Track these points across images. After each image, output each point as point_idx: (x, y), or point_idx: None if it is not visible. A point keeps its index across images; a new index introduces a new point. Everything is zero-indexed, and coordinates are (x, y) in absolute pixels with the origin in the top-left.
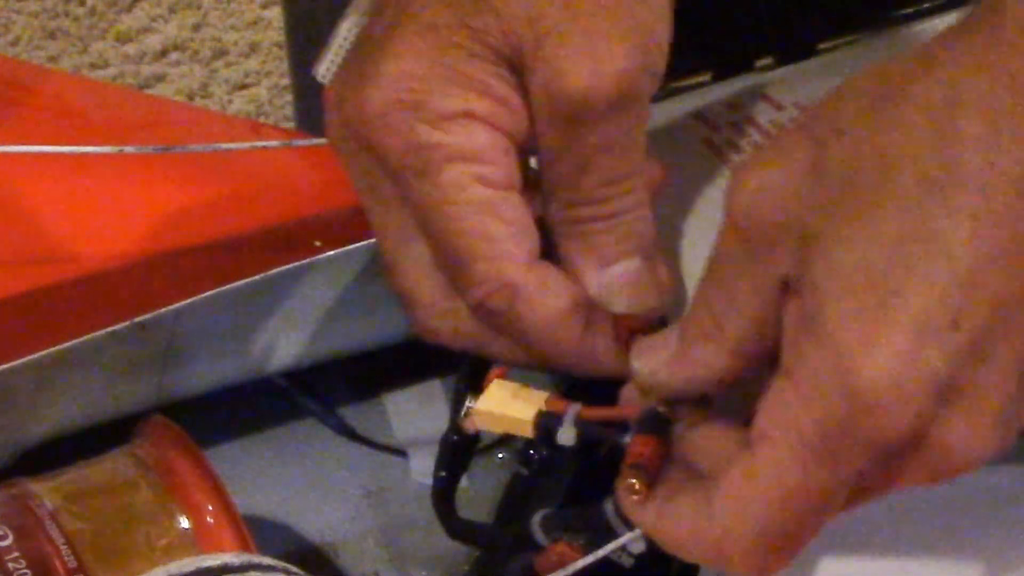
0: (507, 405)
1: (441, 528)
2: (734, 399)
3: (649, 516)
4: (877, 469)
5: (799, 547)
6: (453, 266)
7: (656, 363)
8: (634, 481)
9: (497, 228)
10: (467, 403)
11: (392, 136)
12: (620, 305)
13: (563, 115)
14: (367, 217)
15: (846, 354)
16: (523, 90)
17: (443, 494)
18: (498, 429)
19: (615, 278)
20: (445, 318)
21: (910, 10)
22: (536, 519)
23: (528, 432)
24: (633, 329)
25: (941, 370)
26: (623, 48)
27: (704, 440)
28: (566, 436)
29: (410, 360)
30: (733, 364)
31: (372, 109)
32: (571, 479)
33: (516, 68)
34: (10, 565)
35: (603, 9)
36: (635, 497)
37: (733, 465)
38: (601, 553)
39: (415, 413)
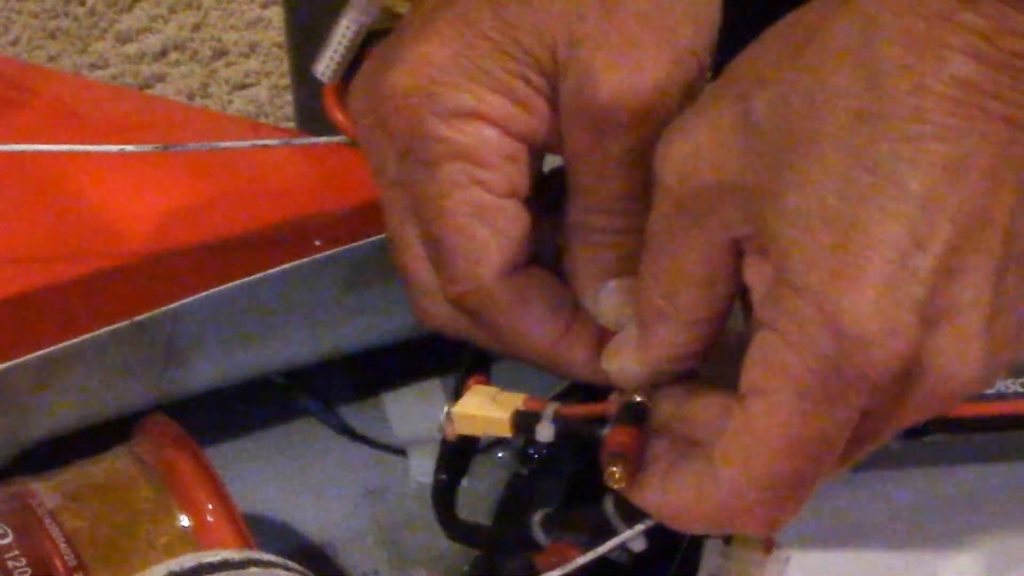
0: (484, 407)
1: (440, 527)
2: (715, 367)
3: (652, 494)
4: (876, 406)
5: (806, 496)
6: (436, 257)
7: (623, 359)
8: (615, 469)
9: (483, 233)
10: (446, 408)
11: (403, 121)
12: (610, 320)
13: (591, 120)
14: (377, 191)
15: (825, 297)
16: (550, 91)
17: (443, 496)
18: (477, 431)
19: (610, 292)
20: (438, 301)
21: None
22: (536, 518)
23: (506, 431)
24: (603, 415)
25: (919, 293)
26: (660, 60)
27: (693, 412)
28: (544, 433)
29: (410, 360)
30: (695, 336)
31: (389, 91)
32: (571, 479)
33: (547, 67)
34: (10, 564)
35: (645, 18)
36: (617, 486)
37: (729, 424)
38: (601, 551)
39: (415, 412)
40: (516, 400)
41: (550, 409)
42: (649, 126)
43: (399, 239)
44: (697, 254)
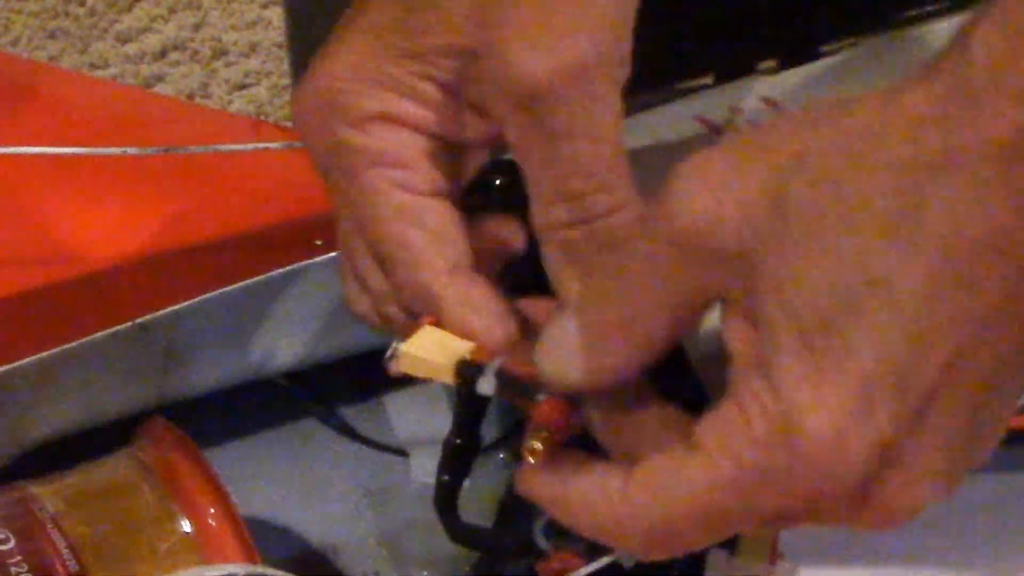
0: (432, 351)
1: (442, 528)
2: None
3: (550, 483)
4: (802, 512)
5: (688, 550)
6: (381, 265)
7: (563, 361)
8: (536, 444)
9: (415, 235)
10: (393, 347)
11: (316, 135)
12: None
13: (517, 102)
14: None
15: (794, 407)
16: (464, 87)
17: (446, 498)
18: (421, 374)
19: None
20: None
21: (912, 12)
22: (539, 525)
23: (449, 379)
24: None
25: (886, 433)
26: (571, 33)
27: (623, 421)
28: (486, 385)
29: None
30: (646, 359)
31: (299, 107)
32: None
33: (461, 65)
34: (12, 569)
35: None
36: (532, 460)
37: (662, 457)
38: (604, 561)
39: (416, 413)
40: (465, 348)
41: (495, 363)
42: (579, 96)
43: (347, 250)
44: (680, 295)
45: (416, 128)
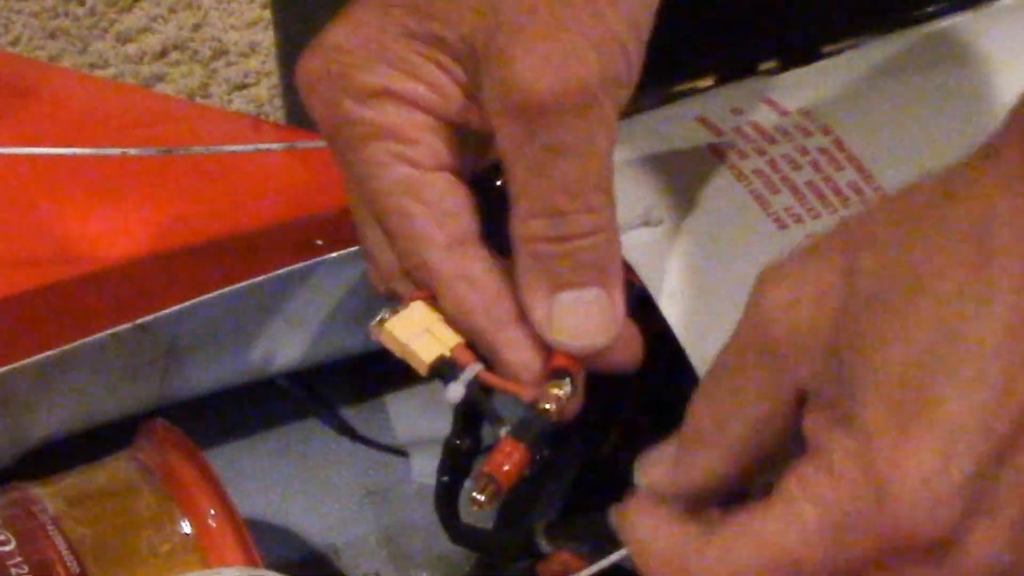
0: (415, 335)
1: (442, 529)
2: None
3: (644, 528)
4: (886, 563)
5: None
6: (389, 240)
7: (658, 476)
8: (479, 496)
9: (416, 208)
10: (383, 313)
11: (321, 106)
12: (562, 335)
13: (515, 109)
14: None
15: (881, 454)
16: (466, 79)
17: (446, 499)
18: (397, 353)
19: (562, 306)
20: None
21: (913, 12)
22: (540, 527)
23: (423, 371)
24: (565, 368)
25: (973, 479)
26: (581, 48)
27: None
28: (453, 392)
29: None
30: (731, 471)
31: (304, 77)
32: (573, 482)
33: (463, 56)
34: (13, 571)
35: (565, 6)
36: (475, 509)
37: (744, 510)
38: (605, 563)
39: (416, 413)
40: (450, 340)
41: (471, 371)
42: (578, 117)
43: (359, 224)
44: (762, 394)
45: (420, 107)
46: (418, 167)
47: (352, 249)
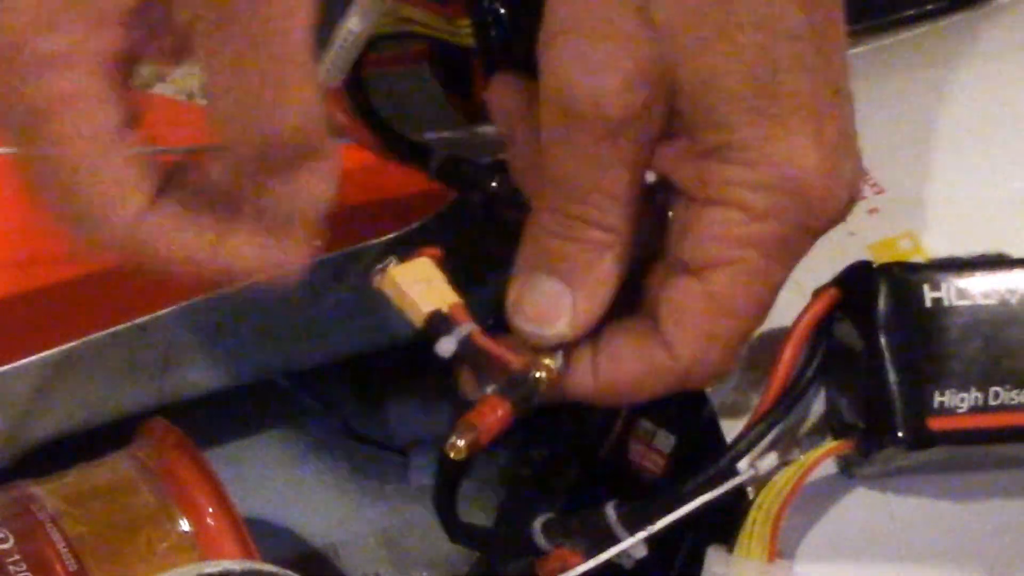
0: (417, 286)
1: (442, 528)
2: None
3: (589, 378)
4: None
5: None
6: (75, 224)
7: (560, 325)
8: (460, 442)
9: (119, 170)
10: (388, 261)
11: None
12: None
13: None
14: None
15: (782, 163)
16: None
17: (445, 497)
18: (396, 302)
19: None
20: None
21: (912, 12)
22: (538, 524)
23: (418, 324)
24: (505, 363)
25: (848, 136)
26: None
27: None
28: (444, 347)
29: (411, 361)
30: (630, 257)
31: None
32: (572, 480)
33: None
34: (11, 568)
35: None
36: (452, 455)
37: (683, 299)
38: (603, 558)
39: (416, 413)
40: (450, 298)
41: (465, 328)
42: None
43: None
44: (628, 168)
45: (102, 59)
46: (109, 130)
47: (352, 248)
